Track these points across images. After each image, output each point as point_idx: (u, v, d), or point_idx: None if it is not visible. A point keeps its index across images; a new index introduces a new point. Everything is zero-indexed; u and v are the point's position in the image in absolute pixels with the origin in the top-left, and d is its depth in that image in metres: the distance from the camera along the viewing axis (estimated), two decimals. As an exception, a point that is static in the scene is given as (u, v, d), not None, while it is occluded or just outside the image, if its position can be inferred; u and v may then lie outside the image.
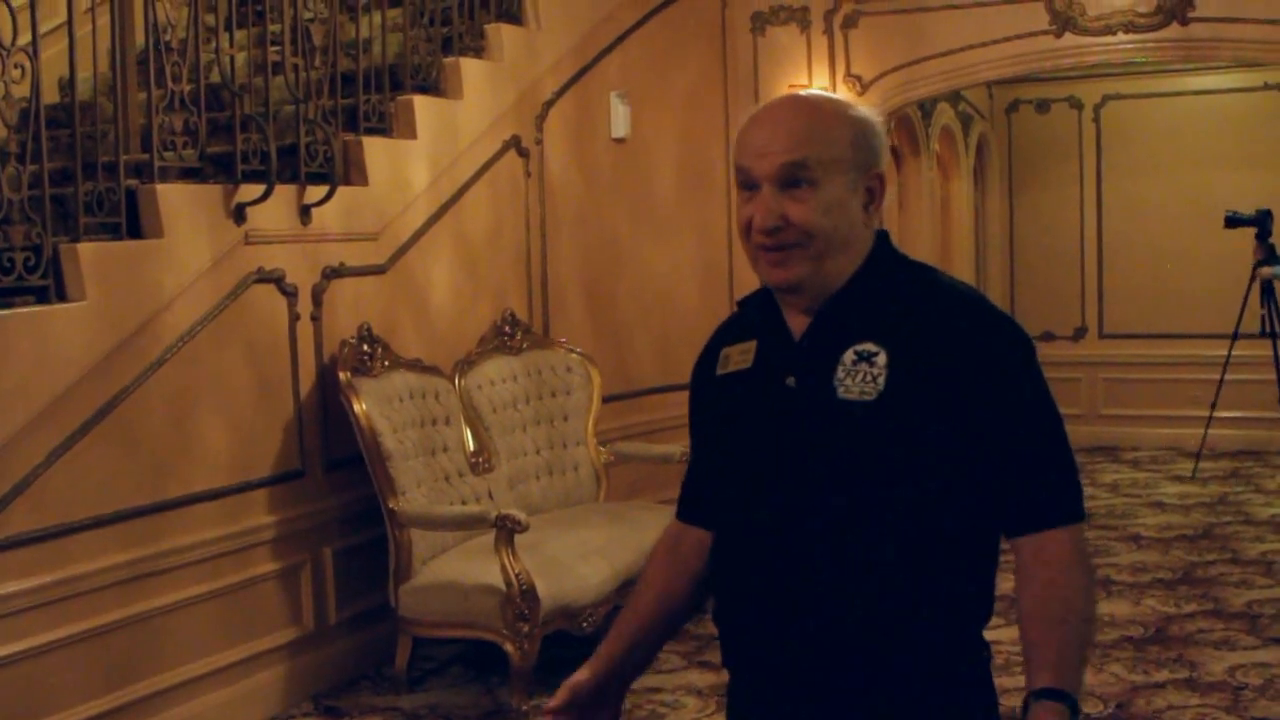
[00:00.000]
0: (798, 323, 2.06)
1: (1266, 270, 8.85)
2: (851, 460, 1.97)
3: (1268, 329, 8.90)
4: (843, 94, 7.76)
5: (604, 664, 2.19)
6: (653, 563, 2.30)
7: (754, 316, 2.13)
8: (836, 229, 2.00)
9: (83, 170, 4.66)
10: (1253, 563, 7.09)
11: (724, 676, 2.20)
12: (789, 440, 2.01)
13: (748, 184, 2.02)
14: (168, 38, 4.97)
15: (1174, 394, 10.25)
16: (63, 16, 4.79)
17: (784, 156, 1.98)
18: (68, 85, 4.86)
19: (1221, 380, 9.06)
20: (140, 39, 5.18)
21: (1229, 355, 8.98)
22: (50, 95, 5.35)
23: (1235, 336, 8.95)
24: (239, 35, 5.81)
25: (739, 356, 2.12)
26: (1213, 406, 9.10)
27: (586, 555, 5.52)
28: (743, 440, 2.08)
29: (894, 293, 2.03)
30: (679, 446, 5.93)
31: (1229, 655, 5.58)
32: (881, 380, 1.96)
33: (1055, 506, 1.99)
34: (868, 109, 2.12)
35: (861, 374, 1.97)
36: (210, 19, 5.46)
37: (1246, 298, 8.96)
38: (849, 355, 1.98)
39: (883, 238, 2.09)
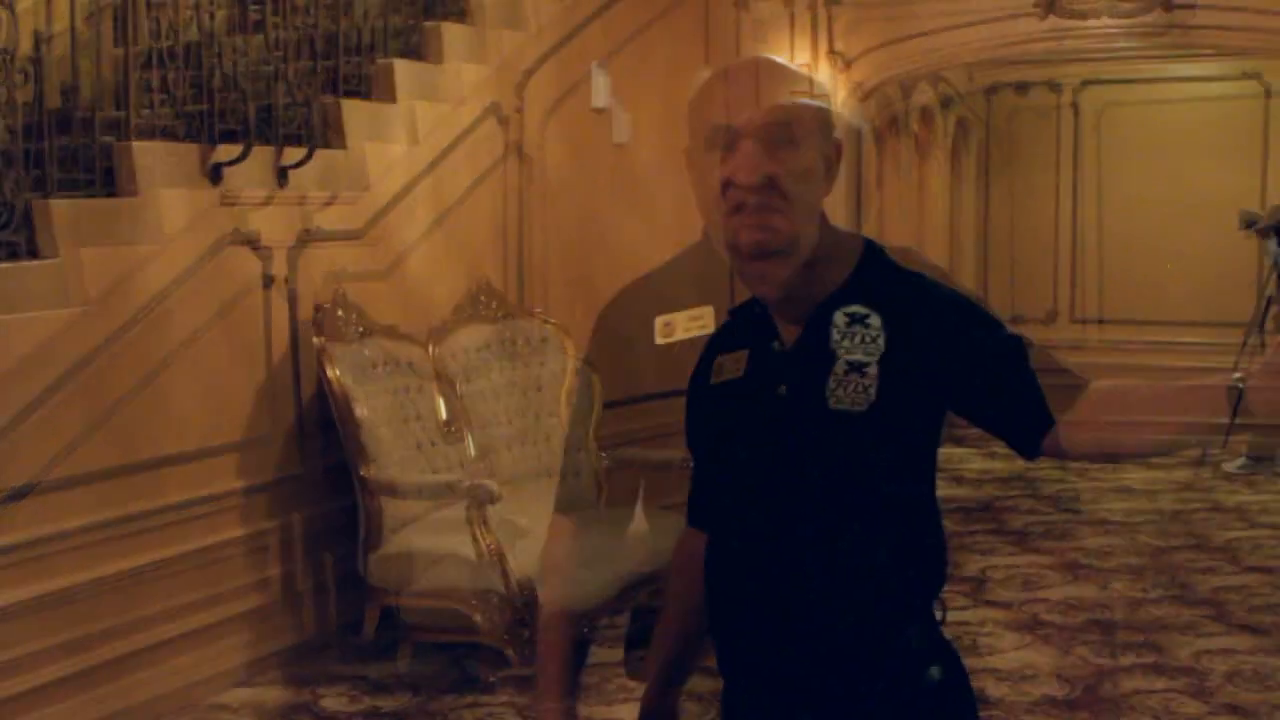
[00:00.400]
0: (788, 332, 2.03)
1: None
2: (844, 469, 1.96)
3: None
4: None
5: (657, 681, 2.28)
6: (672, 573, 2.30)
7: (746, 325, 2.10)
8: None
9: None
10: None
11: (721, 682, 2.19)
12: (781, 449, 1.99)
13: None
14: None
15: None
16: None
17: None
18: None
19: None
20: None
21: (1237, 363, 8.93)
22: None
23: (1255, 337, 8.88)
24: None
25: (731, 365, 2.09)
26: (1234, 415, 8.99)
27: (586, 561, 5.49)
28: (735, 449, 2.06)
29: (884, 300, 1.99)
30: (679, 452, 5.88)
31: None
32: (873, 390, 1.93)
33: None
34: None
35: (853, 384, 1.94)
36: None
37: (1261, 306, 8.91)
38: (840, 365, 1.95)
39: (871, 246, 2.05)
